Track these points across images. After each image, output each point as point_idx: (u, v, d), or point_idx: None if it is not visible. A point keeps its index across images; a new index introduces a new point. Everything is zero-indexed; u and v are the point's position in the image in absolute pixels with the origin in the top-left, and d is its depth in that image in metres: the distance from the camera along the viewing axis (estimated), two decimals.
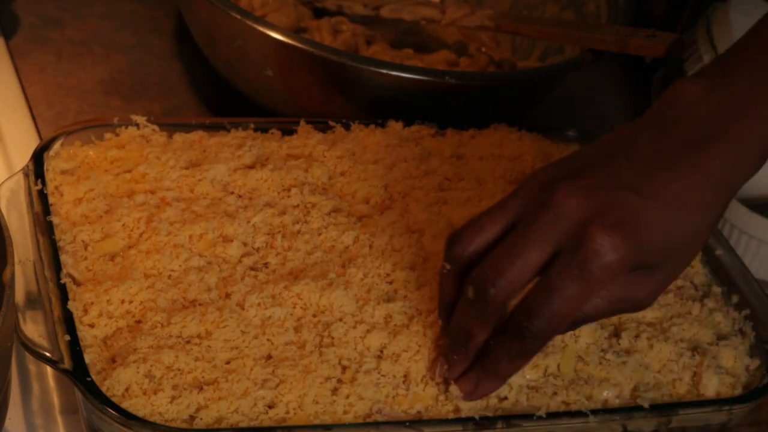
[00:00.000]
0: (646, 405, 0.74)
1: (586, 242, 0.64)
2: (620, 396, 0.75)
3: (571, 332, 0.76)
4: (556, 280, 0.65)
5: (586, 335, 0.77)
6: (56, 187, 0.80)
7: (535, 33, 1.01)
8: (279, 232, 0.80)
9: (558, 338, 0.76)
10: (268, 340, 0.72)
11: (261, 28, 0.91)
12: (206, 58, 1.02)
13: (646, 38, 0.92)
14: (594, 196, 0.65)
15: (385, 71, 0.91)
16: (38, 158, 0.80)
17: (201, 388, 0.69)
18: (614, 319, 0.79)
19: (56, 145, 0.82)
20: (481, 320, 0.67)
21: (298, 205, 0.82)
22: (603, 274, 0.64)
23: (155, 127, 0.86)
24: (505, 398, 0.72)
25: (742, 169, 0.68)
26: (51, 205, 0.78)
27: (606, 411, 0.73)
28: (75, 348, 0.68)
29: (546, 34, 1.00)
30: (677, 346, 0.78)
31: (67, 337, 0.69)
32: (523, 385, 0.73)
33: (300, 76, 0.93)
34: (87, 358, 0.68)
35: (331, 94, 0.94)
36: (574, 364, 0.75)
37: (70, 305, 0.71)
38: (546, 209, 0.65)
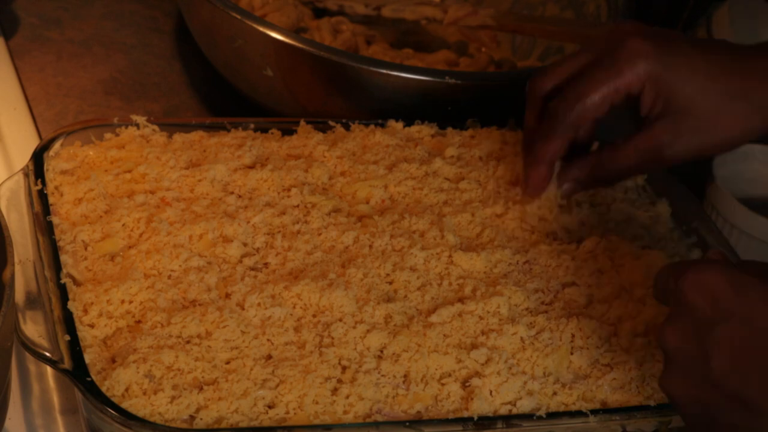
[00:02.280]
0: (653, 404, 0.74)
1: (622, 44, 0.78)
2: (619, 396, 0.75)
3: (569, 331, 0.76)
4: (588, 70, 0.79)
5: (584, 330, 0.77)
6: (56, 187, 0.80)
7: (536, 32, 1.01)
8: (279, 232, 0.80)
9: (556, 337, 0.76)
10: (268, 340, 0.72)
11: (261, 28, 0.91)
12: (206, 58, 1.02)
13: None
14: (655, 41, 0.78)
15: (385, 71, 0.91)
16: (38, 158, 0.80)
17: (201, 388, 0.69)
18: (613, 318, 0.79)
19: (56, 145, 0.82)
20: (549, 135, 0.81)
21: (298, 205, 0.82)
22: (626, 62, 0.77)
23: (155, 127, 0.86)
24: (507, 402, 0.73)
25: None
26: (51, 205, 0.78)
27: (606, 411, 0.73)
28: (75, 348, 0.68)
29: (548, 33, 1.00)
30: None
31: (67, 337, 0.69)
32: (524, 386, 0.73)
33: (300, 76, 0.93)
34: (87, 358, 0.68)
35: (331, 94, 0.94)
36: (567, 363, 0.75)
37: (70, 305, 0.71)
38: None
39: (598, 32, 0.95)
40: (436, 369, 0.73)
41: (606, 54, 0.79)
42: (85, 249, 0.76)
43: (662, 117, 0.79)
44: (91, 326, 0.71)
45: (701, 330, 0.62)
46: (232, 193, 0.82)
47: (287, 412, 0.69)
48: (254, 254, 0.78)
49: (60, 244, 0.75)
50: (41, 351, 0.68)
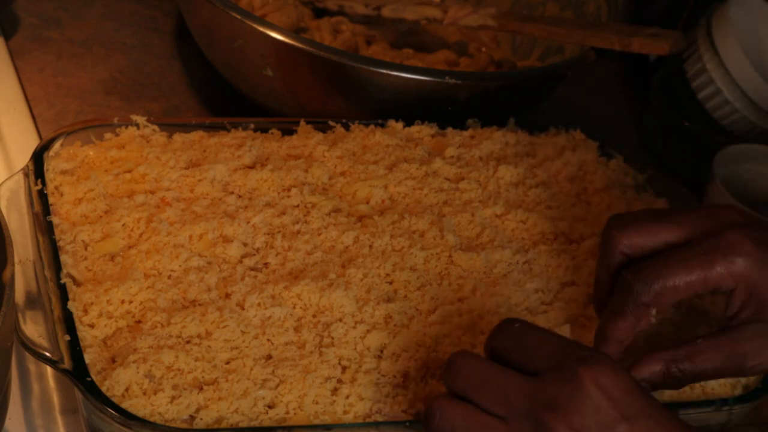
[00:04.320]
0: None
1: (721, 235, 0.69)
2: None
3: (569, 331, 0.76)
4: (677, 251, 0.70)
5: (584, 330, 0.77)
6: (56, 187, 0.80)
7: (538, 32, 1.01)
8: (279, 232, 0.80)
9: None
10: (268, 340, 0.72)
11: (261, 28, 0.91)
12: (206, 58, 1.02)
13: (649, 36, 0.92)
14: (758, 240, 0.69)
15: (385, 71, 0.91)
16: (38, 158, 0.80)
17: (201, 388, 0.69)
18: None
19: (56, 145, 0.82)
20: (620, 311, 0.71)
21: (298, 205, 0.82)
22: (723, 255, 0.69)
23: (155, 127, 0.86)
24: None
25: None
26: (51, 205, 0.78)
27: None
28: (75, 348, 0.68)
29: (549, 33, 1.00)
30: None
31: (67, 337, 0.69)
32: None
33: (300, 76, 0.93)
34: (87, 358, 0.68)
35: (331, 94, 0.94)
36: None
37: (70, 305, 0.71)
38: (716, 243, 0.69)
39: (603, 33, 0.94)
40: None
41: (701, 238, 0.70)
42: (85, 249, 0.76)
43: (752, 323, 0.71)
44: (91, 326, 0.71)
45: (601, 429, 0.61)
46: (232, 193, 0.82)
47: (287, 412, 0.69)
48: (254, 254, 0.78)
49: (60, 244, 0.75)
50: (41, 351, 0.68)
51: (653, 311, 0.70)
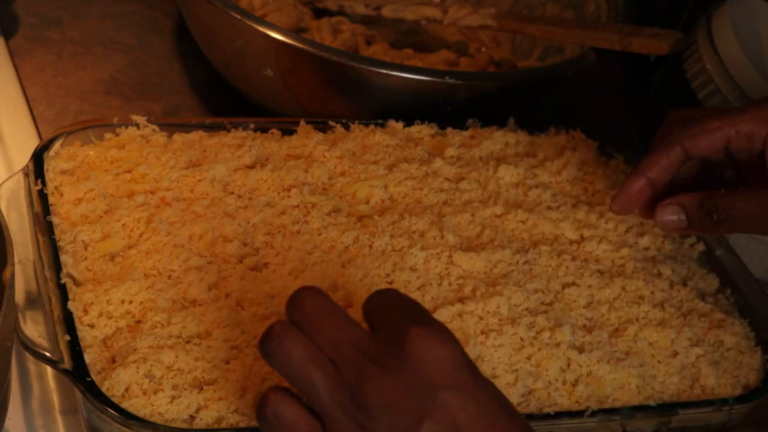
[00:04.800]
0: (652, 404, 0.74)
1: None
2: (619, 396, 0.75)
3: (570, 331, 0.76)
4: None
5: (584, 330, 0.77)
6: (56, 187, 0.80)
7: (537, 32, 1.01)
8: (279, 232, 0.80)
9: (556, 337, 0.76)
10: None
11: (261, 28, 0.91)
12: (206, 58, 1.02)
13: (649, 36, 0.92)
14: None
15: (385, 71, 0.91)
16: (38, 158, 0.80)
17: (201, 388, 0.69)
18: (614, 319, 0.79)
19: (56, 145, 0.82)
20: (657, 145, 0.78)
21: (297, 205, 0.82)
22: (756, 107, 0.75)
23: (155, 127, 0.86)
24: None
25: None
26: (51, 205, 0.78)
27: (606, 411, 0.73)
28: (75, 348, 0.68)
29: (549, 33, 1.00)
30: (675, 345, 0.78)
31: (67, 337, 0.69)
32: (524, 386, 0.73)
33: (300, 76, 0.93)
34: (87, 358, 0.68)
35: (331, 94, 0.94)
36: (567, 363, 0.75)
37: (70, 305, 0.71)
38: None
39: (602, 34, 0.94)
40: None
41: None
42: (85, 249, 0.76)
43: None
44: (91, 326, 0.71)
45: (421, 393, 0.60)
46: (232, 193, 0.82)
47: None
48: (254, 254, 0.78)
49: (60, 244, 0.75)
50: (41, 351, 0.68)
51: (688, 158, 0.75)
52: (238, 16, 0.92)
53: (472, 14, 1.02)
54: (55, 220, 0.77)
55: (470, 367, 0.62)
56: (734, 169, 0.79)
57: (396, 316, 0.63)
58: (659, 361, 0.77)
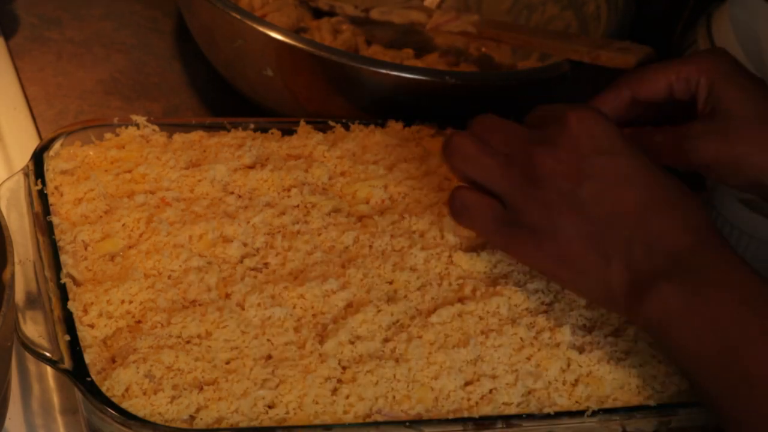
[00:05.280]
0: (652, 404, 0.74)
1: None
2: (619, 396, 0.75)
3: (570, 331, 0.76)
4: None
5: (584, 330, 0.77)
6: (56, 187, 0.80)
7: (513, 40, 1.02)
8: (279, 232, 0.80)
9: (556, 337, 0.76)
10: (268, 340, 0.72)
11: (261, 28, 0.91)
12: (206, 58, 1.02)
13: (618, 50, 0.93)
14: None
15: (385, 71, 0.91)
16: (38, 158, 0.80)
17: (201, 388, 0.69)
18: (614, 319, 0.79)
19: (56, 145, 0.82)
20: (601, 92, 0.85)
21: (298, 206, 0.82)
22: (696, 56, 0.82)
23: (155, 127, 0.86)
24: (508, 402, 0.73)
25: None
26: (51, 205, 0.78)
27: (606, 411, 0.73)
28: (75, 348, 0.68)
29: (524, 42, 1.01)
30: None
31: (67, 337, 0.69)
32: (524, 386, 0.73)
33: (300, 76, 0.93)
34: (87, 358, 0.68)
35: (331, 94, 0.94)
36: (567, 363, 0.75)
37: (70, 305, 0.71)
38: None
39: (573, 45, 0.96)
40: (436, 369, 0.73)
41: None
42: (85, 249, 0.76)
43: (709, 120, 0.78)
44: (91, 326, 0.71)
45: (579, 159, 0.72)
46: (232, 193, 0.82)
47: (287, 412, 0.69)
48: (254, 254, 0.78)
49: (60, 244, 0.75)
50: (41, 351, 0.68)
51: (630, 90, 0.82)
52: (238, 16, 0.92)
53: (455, 20, 1.03)
54: (55, 220, 0.77)
55: (621, 136, 0.73)
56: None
57: (553, 113, 0.75)
58: (659, 361, 0.77)
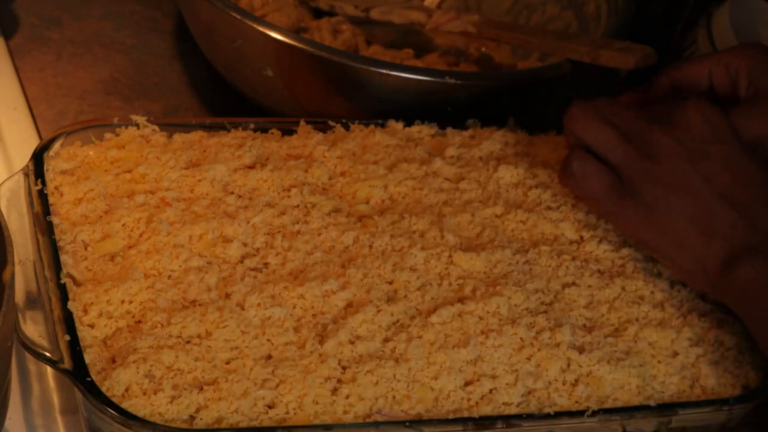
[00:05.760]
0: (653, 404, 0.74)
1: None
2: (619, 396, 0.75)
3: (569, 331, 0.76)
4: None
5: (584, 330, 0.77)
6: (56, 187, 0.80)
7: (514, 40, 1.02)
8: (279, 232, 0.80)
9: (556, 337, 0.76)
10: (268, 340, 0.72)
11: (261, 28, 0.91)
12: (206, 58, 1.02)
13: (618, 50, 0.93)
14: None
15: (385, 71, 0.91)
16: (38, 158, 0.80)
17: (201, 388, 0.69)
18: (614, 319, 0.79)
19: (56, 145, 0.82)
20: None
21: (298, 206, 0.82)
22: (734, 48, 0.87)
23: (155, 127, 0.86)
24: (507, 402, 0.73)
25: None
26: (51, 205, 0.78)
27: (606, 411, 0.73)
28: (75, 348, 0.68)
29: (523, 42, 1.01)
30: (676, 345, 0.78)
31: (67, 337, 0.69)
32: (524, 386, 0.73)
33: (300, 76, 0.93)
34: (87, 358, 0.68)
35: (331, 94, 0.94)
36: (567, 363, 0.75)
37: (70, 305, 0.71)
38: None
39: (573, 45, 0.96)
40: (436, 369, 0.73)
41: None
42: (85, 249, 0.76)
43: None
44: (91, 326, 0.71)
45: (695, 142, 0.77)
46: (232, 193, 0.82)
47: (287, 412, 0.69)
48: (254, 254, 0.78)
49: (60, 244, 0.75)
50: (41, 351, 0.68)
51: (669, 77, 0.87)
52: (238, 16, 0.92)
53: (455, 20, 1.03)
54: (55, 220, 0.77)
55: (732, 128, 0.79)
56: None
57: (668, 101, 0.83)
58: (659, 361, 0.77)
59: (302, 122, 0.89)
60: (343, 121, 0.90)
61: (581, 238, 0.84)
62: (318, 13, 1.09)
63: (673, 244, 0.78)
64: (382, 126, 0.91)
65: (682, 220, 0.77)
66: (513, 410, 0.72)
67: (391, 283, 0.78)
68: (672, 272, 0.81)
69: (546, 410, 0.72)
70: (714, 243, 0.76)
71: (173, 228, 0.77)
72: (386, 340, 0.74)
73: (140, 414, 0.67)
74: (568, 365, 0.75)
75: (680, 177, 0.77)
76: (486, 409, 0.72)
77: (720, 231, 0.76)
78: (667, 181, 0.77)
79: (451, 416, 0.71)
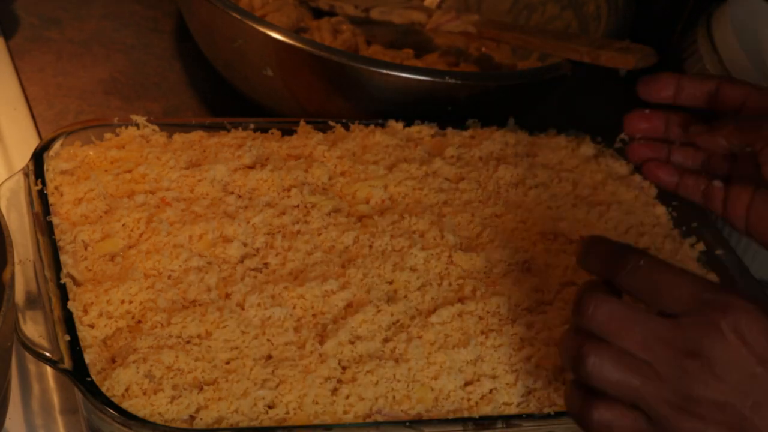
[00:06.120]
0: None
1: None
2: None
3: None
4: None
5: None
6: (56, 187, 0.80)
7: (514, 40, 1.02)
8: (279, 232, 0.80)
9: (555, 337, 0.76)
10: (268, 340, 0.72)
11: (261, 28, 0.91)
12: (206, 58, 1.02)
13: (618, 50, 0.93)
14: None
15: (385, 71, 0.91)
16: (38, 158, 0.80)
17: (201, 388, 0.69)
18: None
19: (56, 145, 0.82)
20: None
21: (298, 206, 0.82)
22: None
23: (155, 127, 0.86)
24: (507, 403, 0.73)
25: None
26: (51, 205, 0.78)
27: None
28: (75, 348, 0.68)
29: (523, 42, 1.01)
30: None
31: (67, 337, 0.69)
32: (524, 386, 0.73)
33: (300, 76, 0.93)
34: (87, 358, 0.68)
35: (331, 94, 0.94)
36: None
37: (70, 305, 0.71)
38: None
39: (574, 45, 0.96)
40: (436, 369, 0.73)
41: None
42: (85, 249, 0.76)
43: None
44: (91, 326, 0.71)
45: (741, 377, 0.62)
46: (232, 193, 0.82)
47: (287, 412, 0.69)
48: (254, 254, 0.78)
49: (60, 244, 0.75)
50: (41, 351, 0.68)
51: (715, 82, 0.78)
52: (238, 16, 0.92)
53: (455, 20, 1.03)
54: (55, 220, 0.77)
55: None
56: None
57: (682, 297, 0.64)
58: None
59: (302, 122, 0.89)
60: (343, 121, 0.90)
61: (581, 238, 0.84)
62: (318, 13, 1.09)
63: None
64: (382, 126, 0.91)
65: None
66: (513, 410, 0.72)
67: (391, 283, 0.78)
68: None
69: (546, 410, 0.72)
70: None
71: (173, 228, 0.77)
72: (386, 340, 0.74)
73: (140, 414, 0.67)
74: None
75: (723, 425, 0.63)
76: (486, 409, 0.72)
77: None
78: (706, 428, 0.63)
79: (451, 416, 0.71)
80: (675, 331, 0.63)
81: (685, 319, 0.63)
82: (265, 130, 0.89)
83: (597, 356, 0.64)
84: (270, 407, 0.69)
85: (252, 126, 0.88)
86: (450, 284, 0.78)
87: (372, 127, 0.90)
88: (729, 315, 0.62)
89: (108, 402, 0.66)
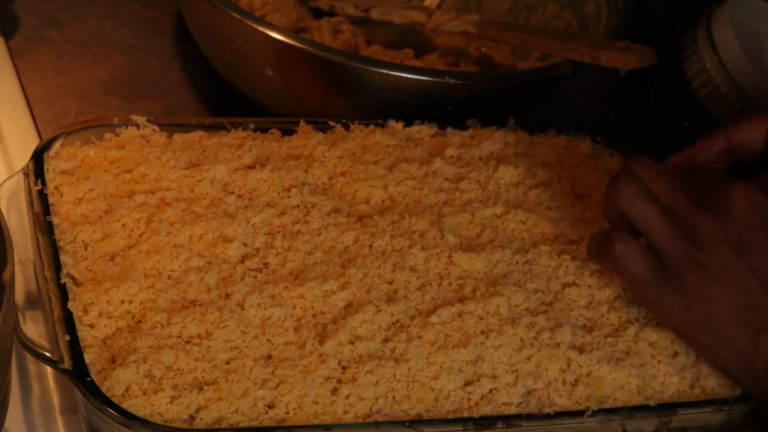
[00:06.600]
0: (653, 404, 0.74)
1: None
2: (619, 396, 0.75)
3: (570, 331, 0.76)
4: None
5: (584, 330, 0.77)
6: (56, 187, 0.80)
7: (514, 40, 1.02)
8: (279, 232, 0.80)
9: (555, 338, 0.76)
10: (268, 340, 0.72)
11: (261, 28, 0.91)
12: (206, 58, 1.02)
13: (618, 50, 0.93)
14: None
15: (385, 71, 0.91)
16: (38, 158, 0.80)
17: (201, 388, 0.69)
18: (614, 319, 0.79)
19: (56, 145, 0.82)
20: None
21: (298, 206, 0.82)
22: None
23: (155, 127, 0.86)
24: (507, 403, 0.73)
25: None
26: (51, 205, 0.78)
27: (606, 411, 0.73)
28: (75, 348, 0.68)
29: (523, 42, 1.01)
30: (676, 345, 0.78)
31: (67, 337, 0.69)
32: (524, 386, 0.73)
33: (300, 76, 0.93)
34: (87, 358, 0.68)
35: (331, 94, 0.94)
36: (567, 363, 0.75)
37: (70, 305, 0.71)
38: None
39: (574, 45, 0.96)
40: (436, 369, 0.73)
41: None
42: (85, 249, 0.76)
43: None
44: (91, 326, 0.71)
45: (744, 231, 0.73)
46: (232, 193, 0.82)
47: (287, 412, 0.69)
48: (254, 254, 0.78)
49: (60, 244, 0.75)
50: (41, 351, 0.68)
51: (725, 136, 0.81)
52: (238, 16, 0.92)
53: (455, 20, 1.03)
54: (55, 220, 0.77)
55: None
56: None
57: (715, 178, 0.76)
58: (659, 361, 0.77)
59: (302, 122, 0.89)
60: (343, 121, 0.90)
61: (581, 238, 0.84)
62: (318, 13, 1.09)
63: (714, 338, 0.74)
64: (382, 126, 0.91)
65: (725, 313, 0.73)
66: (513, 410, 0.72)
67: (391, 283, 0.78)
68: (712, 366, 0.76)
69: (546, 410, 0.72)
70: (760, 338, 0.72)
71: (173, 228, 0.77)
72: (386, 340, 0.74)
73: (140, 414, 0.67)
74: (568, 365, 0.75)
75: (724, 267, 0.73)
76: (486, 409, 0.72)
77: (766, 326, 0.72)
78: (710, 271, 0.73)
79: (451, 416, 0.71)
80: (695, 192, 0.75)
81: (710, 192, 0.75)
82: (265, 130, 0.89)
83: (627, 183, 0.74)
84: (270, 407, 0.69)
85: (252, 126, 0.88)
86: (450, 284, 0.78)
87: (372, 127, 0.91)
88: (744, 185, 0.74)
89: (108, 402, 0.66)
